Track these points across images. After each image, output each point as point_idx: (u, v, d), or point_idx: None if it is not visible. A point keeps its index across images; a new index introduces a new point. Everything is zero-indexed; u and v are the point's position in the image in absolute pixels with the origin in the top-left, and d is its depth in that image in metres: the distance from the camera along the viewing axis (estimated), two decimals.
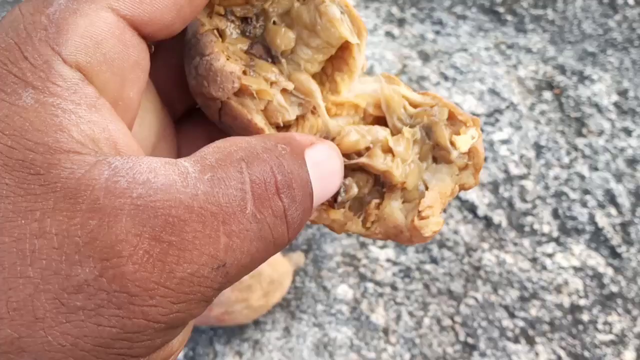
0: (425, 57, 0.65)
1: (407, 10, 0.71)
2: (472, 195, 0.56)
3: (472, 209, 0.55)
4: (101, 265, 0.16)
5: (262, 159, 0.19)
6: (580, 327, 0.52)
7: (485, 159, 0.58)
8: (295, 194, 0.19)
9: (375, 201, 0.25)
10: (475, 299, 0.51)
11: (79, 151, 0.17)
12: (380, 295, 0.50)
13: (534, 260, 0.55)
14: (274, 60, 0.25)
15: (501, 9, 0.75)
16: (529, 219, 0.57)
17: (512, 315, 0.51)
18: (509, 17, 0.75)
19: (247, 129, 0.23)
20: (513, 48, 0.70)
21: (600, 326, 0.53)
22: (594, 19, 0.79)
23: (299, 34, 0.25)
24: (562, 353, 0.51)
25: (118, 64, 0.19)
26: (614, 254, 0.57)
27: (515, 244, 0.55)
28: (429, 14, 0.71)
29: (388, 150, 0.24)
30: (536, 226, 0.56)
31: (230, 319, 0.44)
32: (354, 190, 0.25)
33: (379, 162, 0.24)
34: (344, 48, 0.25)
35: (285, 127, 0.25)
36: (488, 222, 0.55)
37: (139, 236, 0.16)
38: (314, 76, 0.25)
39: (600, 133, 0.65)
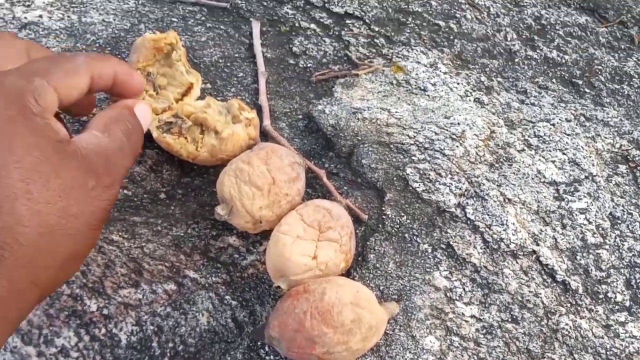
0: (510, 125, 0.69)
1: (494, 78, 0.75)
2: (552, 260, 0.59)
3: (551, 273, 0.58)
4: None
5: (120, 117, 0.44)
6: None
7: (565, 226, 0.61)
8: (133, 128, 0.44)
9: (200, 135, 0.57)
10: None
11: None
12: (465, 349, 0.53)
13: (607, 327, 0.57)
14: (157, 89, 0.60)
15: (580, 82, 0.79)
16: (604, 287, 0.59)
17: None
18: (587, 90, 0.78)
19: None
20: (592, 120, 0.73)
21: None
22: None
23: (169, 80, 0.61)
24: None
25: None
26: None
27: (590, 310, 0.58)
28: (514, 83, 0.75)
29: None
30: (610, 294, 0.59)
31: (330, 359, 0.47)
32: (188, 124, 0.57)
33: (200, 117, 0.57)
34: (190, 85, 0.61)
35: (159, 113, 0.59)
36: (565, 287, 0.58)
37: None
38: (177, 98, 0.61)
39: None
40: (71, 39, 0.67)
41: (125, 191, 0.58)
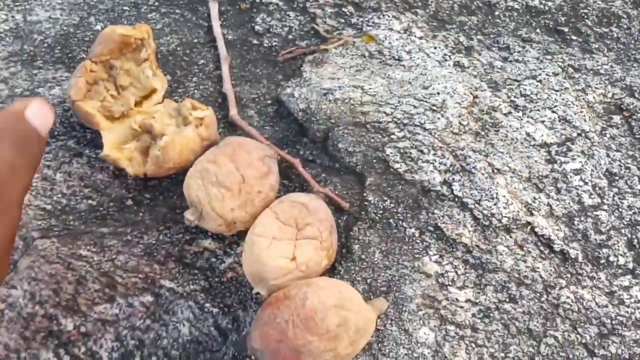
0: (494, 87, 0.65)
1: (473, 36, 0.71)
2: (548, 230, 0.56)
3: (548, 244, 0.55)
4: None
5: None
6: None
7: (559, 191, 0.58)
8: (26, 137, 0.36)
9: (152, 142, 0.53)
10: (555, 337, 0.51)
11: None
12: (462, 337, 0.50)
13: (610, 294, 0.54)
14: (118, 89, 0.56)
15: (566, 29, 0.74)
16: (605, 250, 0.56)
17: (592, 354, 0.51)
18: (574, 37, 0.74)
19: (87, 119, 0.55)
20: (581, 71, 0.69)
21: None
22: None
23: (132, 81, 0.57)
24: None
25: None
26: None
27: (592, 278, 0.55)
28: (495, 40, 0.71)
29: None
30: (612, 258, 0.56)
31: None
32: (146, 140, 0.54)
33: (147, 124, 0.53)
34: (152, 90, 0.57)
35: (117, 118, 0.56)
36: (564, 256, 0.55)
37: None
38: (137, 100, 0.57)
39: None
40: (17, 41, 0.63)
41: (89, 201, 0.54)
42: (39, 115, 0.38)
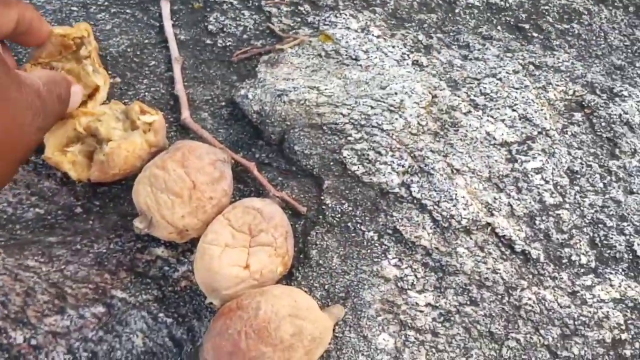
0: (454, 85, 0.64)
1: (433, 34, 0.70)
2: (509, 230, 0.55)
3: (509, 244, 0.54)
4: None
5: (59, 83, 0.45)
6: None
7: (520, 190, 0.57)
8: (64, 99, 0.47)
9: (97, 146, 0.51)
10: (517, 340, 0.50)
11: None
12: (422, 343, 0.49)
13: (573, 294, 0.54)
14: None
15: (527, 25, 0.74)
16: (567, 250, 0.56)
17: (554, 355, 0.50)
18: (535, 34, 0.73)
19: None
20: (541, 68, 0.68)
21: None
22: (620, 30, 0.77)
23: (74, 80, 0.52)
24: None
25: None
26: None
27: (554, 279, 0.54)
28: (455, 37, 0.70)
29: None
30: (574, 257, 0.55)
31: None
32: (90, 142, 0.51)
33: (92, 127, 0.51)
34: (96, 87, 0.55)
35: (61, 119, 0.52)
36: (526, 257, 0.54)
37: None
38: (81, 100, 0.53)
39: (634, 153, 0.63)
40: None
41: (37, 209, 0.52)
42: (76, 95, 0.49)
